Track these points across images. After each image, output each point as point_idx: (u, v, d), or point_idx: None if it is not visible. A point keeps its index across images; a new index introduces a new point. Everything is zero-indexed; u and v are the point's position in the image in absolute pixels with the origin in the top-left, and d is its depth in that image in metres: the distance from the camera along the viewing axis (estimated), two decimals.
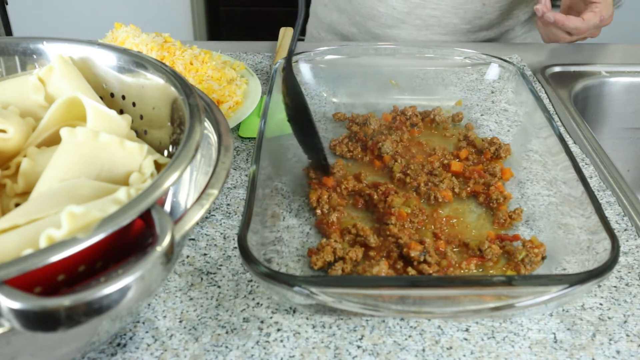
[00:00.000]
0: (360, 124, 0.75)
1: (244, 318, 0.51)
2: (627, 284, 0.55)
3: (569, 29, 0.87)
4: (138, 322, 0.50)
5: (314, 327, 0.50)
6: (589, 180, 0.67)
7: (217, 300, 0.52)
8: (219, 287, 0.54)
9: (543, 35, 0.93)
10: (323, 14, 1.17)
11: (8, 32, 2.17)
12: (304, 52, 0.79)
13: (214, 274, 0.55)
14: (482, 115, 0.79)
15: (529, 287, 0.44)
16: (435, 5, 1.03)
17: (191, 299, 0.52)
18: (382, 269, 0.51)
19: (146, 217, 0.34)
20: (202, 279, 0.54)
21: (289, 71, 0.64)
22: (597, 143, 0.76)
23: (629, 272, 0.56)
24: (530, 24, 1.13)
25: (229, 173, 0.41)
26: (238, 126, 0.78)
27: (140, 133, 0.50)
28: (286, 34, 1.02)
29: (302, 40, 1.27)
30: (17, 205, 0.42)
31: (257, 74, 0.92)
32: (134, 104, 0.51)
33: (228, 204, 0.64)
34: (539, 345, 0.49)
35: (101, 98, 0.51)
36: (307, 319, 0.51)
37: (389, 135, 0.71)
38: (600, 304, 0.53)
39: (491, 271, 0.54)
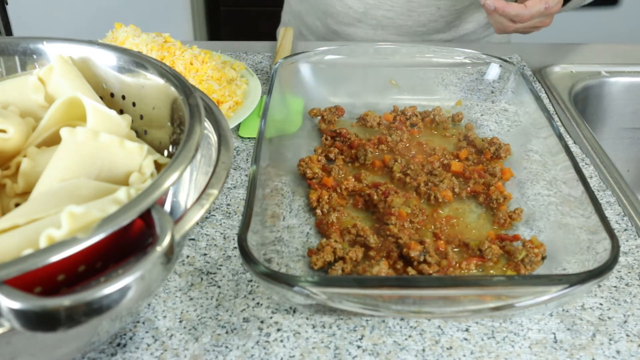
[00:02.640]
0: (327, 122, 0.75)
1: (244, 318, 0.51)
2: (627, 284, 0.55)
3: (511, 17, 0.85)
4: (138, 322, 0.50)
5: (314, 327, 0.50)
6: (589, 180, 0.67)
7: (217, 300, 0.52)
8: (219, 287, 0.54)
9: (493, 26, 0.91)
10: (292, 1, 1.20)
11: (8, 32, 2.17)
12: (304, 52, 0.79)
13: (214, 274, 0.55)
14: (482, 115, 0.79)
15: (529, 287, 0.44)
16: (390, 7, 1.05)
17: (191, 299, 0.52)
18: (382, 269, 0.51)
19: (146, 217, 0.34)
20: (202, 279, 0.54)
21: None
22: (597, 143, 0.76)
23: (629, 272, 0.56)
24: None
25: (229, 173, 0.41)
26: (238, 126, 0.78)
27: (140, 133, 0.50)
28: (286, 33, 1.02)
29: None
30: (17, 205, 0.42)
31: (257, 74, 0.92)
32: (134, 104, 0.50)
33: (228, 204, 0.64)
34: (539, 345, 0.49)
35: (101, 98, 0.51)
36: (307, 319, 0.51)
37: (367, 141, 0.71)
38: (600, 304, 0.53)
39: (491, 271, 0.54)
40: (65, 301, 0.29)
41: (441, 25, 1.08)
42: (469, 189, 0.64)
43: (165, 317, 0.51)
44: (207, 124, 0.46)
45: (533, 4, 0.84)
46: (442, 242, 0.56)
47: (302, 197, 0.64)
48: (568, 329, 0.50)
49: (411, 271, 0.53)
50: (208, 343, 0.48)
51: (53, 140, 0.46)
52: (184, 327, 0.50)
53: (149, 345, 0.48)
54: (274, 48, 1.03)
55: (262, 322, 0.50)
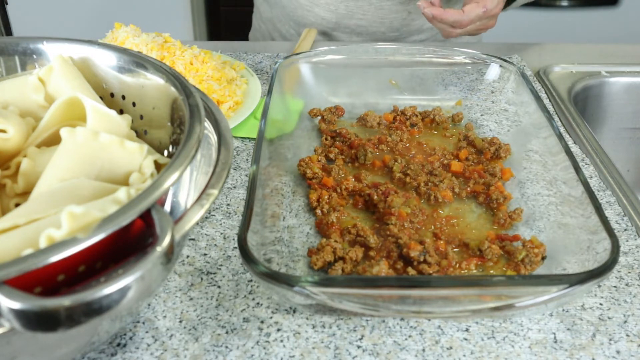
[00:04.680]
0: (327, 122, 0.75)
1: (244, 318, 0.51)
2: (627, 284, 0.55)
3: (450, 23, 0.85)
4: (138, 322, 0.50)
5: (314, 327, 0.50)
6: (589, 180, 0.67)
7: (217, 300, 0.52)
8: (219, 287, 0.54)
9: (439, 31, 0.92)
10: (262, 8, 1.19)
11: (8, 32, 2.17)
12: (304, 52, 0.79)
13: (214, 274, 0.55)
14: (482, 115, 0.79)
15: (529, 287, 0.44)
16: (362, 16, 1.06)
17: (191, 299, 0.52)
18: (382, 269, 0.51)
19: (146, 217, 0.34)
20: (202, 279, 0.54)
21: None
22: (597, 143, 0.76)
23: (629, 272, 0.56)
24: None
25: (229, 173, 0.41)
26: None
27: (140, 133, 0.50)
28: (309, 34, 1.03)
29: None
30: (17, 205, 0.42)
31: (257, 74, 0.93)
32: (134, 104, 0.50)
33: (228, 204, 0.64)
34: (539, 345, 0.49)
35: (101, 98, 0.51)
36: (307, 319, 0.51)
37: (367, 141, 0.71)
38: (600, 304, 0.53)
39: (491, 271, 0.54)
40: (65, 301, 0.29)
41: (414, 28, 1.09)
42: (469, 189, 0.64)
43: (165, 317, 0.51)
44: (207, 124, 0.46)
45: (471, 9, 0.84)
46: (442, 242, 0.56)
47: (302, 197, 0.64)
48: (568, 329, 0.50)
49: (411, 271, 0.53)
50: (208, 343, 0.48)
51: (53, 140, 0.46)
52: (184, 327, 0.50)
53: (149, 345, 0.48)
54: (274, 48, 1.03)
55: (262, 322, 0.50)
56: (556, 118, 0.83)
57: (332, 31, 1.09)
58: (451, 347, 0.48)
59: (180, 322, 0.50)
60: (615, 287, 0.54)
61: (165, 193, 0.36)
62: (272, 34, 1.19)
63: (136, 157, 0.42)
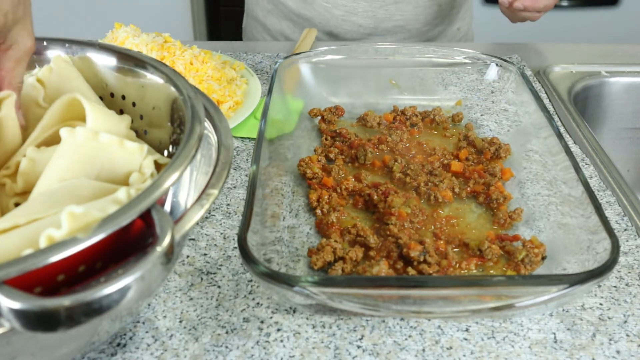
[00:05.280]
0: (327, 122, 0.75)
1: (244, 318, 0.51)
2: (627, 284, 0.55)
3: (540, 9, 0.88)
4: (138, 322, 0.50)
5: (314, 327, 0.50)
6: (589, 180, 0.67)
7: (217, 300, 0.52)
8: (219, 287, 0.54)
9: (509, 18, 0.93)
10: (267, 20, 1.14)
11: None
12: (304, 52, 0.79)
13: (214, 274, 0.55)
14: (482, 115, 0.79)
15: (529, 287, 0.44)
16: (400, 16, 1.07)
17: (191, 299, 0.52)
18: (382, 269, 0.51)
19: (146, 217, 0.34)
20: (202, 279, 0.54)
21: None
22: (597, 143, 0.76)
23: (629, 272, 0.56)
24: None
25: (229, 173, 0.41)
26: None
27: (140, 133, 0.50)
28: (309, 34, 1.02)
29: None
30: (16, 204, 0.42)
31: (257, 74, 0.92)
32: (134, 104, 0.50)
33: (228, 204, 0.64)
34: (539, 345, 0.49)
35: (101, 98, 0.51)
36: (307, 319, 0.51)
37: (367, 141, 0.71)
38: (600, 304, 0.53)
39: (491, 271, 0.54)
40: (65, 301, 0.29)
41: (445, 20, 1.11)
42: (469, 189, 0.64)
43: (165, 317, 0.51)
44: (207, 124, 0.46)
45: None
46: (442, 242, 0.56)
47: (302, 197, 0.64)
48: (568, 329, 0.50)
49: (411, 271, 0.53)
50: (208, 343, 0.48)
51: (53, 140, 0.46)
52: (184, 327, 0.50)
53: (149, 345, 0.48)
54: (274, 48, 1.03)
55: (262, 322, 0.50)
56: (556, 118, 0.83)
57: (367, 36, 1.09)
58: (451, 347, 0.48)
59: (180, 322, 0.50)
60: (615, 287, 0.54)
61: (165, 193, 0.36)
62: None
63: (136, 157, 0.42)
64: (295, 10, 1.08)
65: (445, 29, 1.13)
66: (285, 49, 1.02)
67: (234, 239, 0.59)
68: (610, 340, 0.49)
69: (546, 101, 0.87)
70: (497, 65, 0.78)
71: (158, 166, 0.44)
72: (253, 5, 1.16)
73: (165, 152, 0.48)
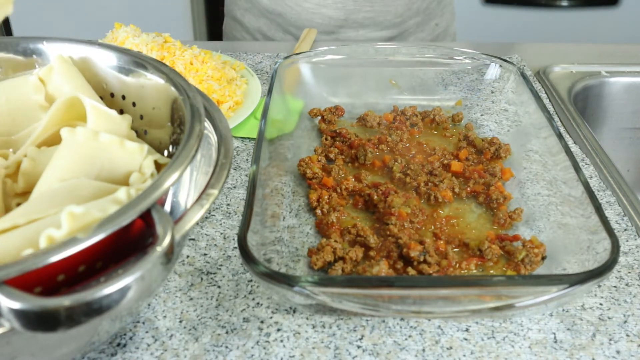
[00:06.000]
0: (327, 122, 0.75)
1: (244, 318, 0.51)
2: (627, 284, 0.55)
3: None
4: (138, 322, 0.50)
5: (314, 327, 0.50)
6: (589, 180, 0.67)
7: (217, 300, 0.52)
8: (219, 287, 0.54)
9: None
10: (245, 19, 1.16)
11: (8, 32, 2.17)
12: (304, 52, 0.79)
13: (214, 274, 0.55)
14: (482, 115, 0.79)
15: (529, 287, 0.44)
16: (370, 8, 1.08)
17: (191, 299, 0.52)
18: (382, 269, 0.51)
19: (146, 217, 0.34)
20: (202, 279, 0.54)
21: None
22: (597, 143, 0.76)
23: (629, 272, 0.56)
24: None
25: (229, 173, 0.41)
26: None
27: (140, 133, 0.50)
28: (309, 34, 1.03)
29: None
30: (18, 204, 0.42)
31: (257, 74, 0.93)
32: (134, 104, 0.50)
33: (228, 204, 0.64)
34: (539, 345, 0.49)
35: (101, 98, 0.51)
36: (307, 319, 0.51)
37: (367, 141, 0.71)
38: (600, 304, 0.53)
39: (491, 271, 0.54)
40: (65, 301, 0.29)
41: (413, 12, 1.12)
42: (469, 189, 0.64)
43: (165, 317, 0.51)
44: (207, 124, 0.46)
45: None
46: (442, 242, 0.56)
47: (302, 197, 0.64)
48: (568, 329, 0.50)
49: (411, 271, 0.53)
50: (208, 343, 0.48)
51: (53, 140, 0.46)
52: (184, 327, 0.50)
53: (149, 345, 0.48)
54: (274, 48, 1.03)
55: (262, 322, 0.50)
56: (556, 118, 0.83)
57: (338, 29, 1.10)
58: (451, 347, 0.48)
59: (180, 322, 0.50)
60: (615, 287, 0.55)
61: (165, 193, 0.36)
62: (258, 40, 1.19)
63: (136, 157, 0.42)
64: (269, 7, 1.10)
65: (421, 23, 1.14)
66: (285, 49, 1.02)
67: (234, 239, 0.59)
68: (610, 340, 0.49)
69: (546, 101, 0.87)
70: (497, 65, 0.78)
71: (158, 166, 0.44)
72: (232, 5, 1.19)
73: (165, 152, 0.48)
